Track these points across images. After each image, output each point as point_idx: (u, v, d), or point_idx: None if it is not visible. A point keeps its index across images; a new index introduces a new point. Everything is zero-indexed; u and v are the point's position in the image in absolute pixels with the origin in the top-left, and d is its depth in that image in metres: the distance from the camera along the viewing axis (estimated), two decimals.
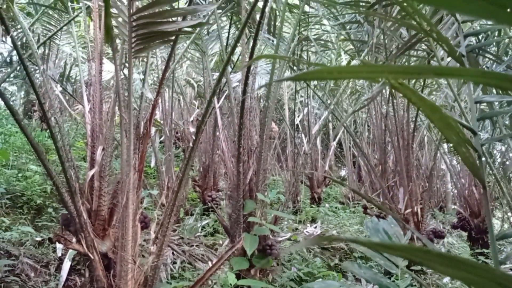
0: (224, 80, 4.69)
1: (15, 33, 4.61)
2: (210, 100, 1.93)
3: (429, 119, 0.90)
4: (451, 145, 9.43)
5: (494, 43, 3.41)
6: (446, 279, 4.60)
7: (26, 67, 1.81)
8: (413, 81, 4.90)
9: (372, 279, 1.33)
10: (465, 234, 6.78)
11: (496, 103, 3.43)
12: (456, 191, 8.05)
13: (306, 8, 4.79)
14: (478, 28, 2.93)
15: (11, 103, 2.12)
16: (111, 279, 2.18)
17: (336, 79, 0.59)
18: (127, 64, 2.99)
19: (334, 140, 8.18)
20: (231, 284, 2.51)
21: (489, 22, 3.49)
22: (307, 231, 5.40)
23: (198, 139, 1.93)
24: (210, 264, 3.49)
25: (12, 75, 8.40)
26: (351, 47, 5.67)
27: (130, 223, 2.13)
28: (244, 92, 2.38)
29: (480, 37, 3.27)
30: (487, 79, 0.51)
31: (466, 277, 0.45)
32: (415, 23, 1.20)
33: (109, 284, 2.15)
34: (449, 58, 3.19)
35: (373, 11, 2.80)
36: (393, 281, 1.53)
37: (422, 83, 4.91)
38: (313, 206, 6.89)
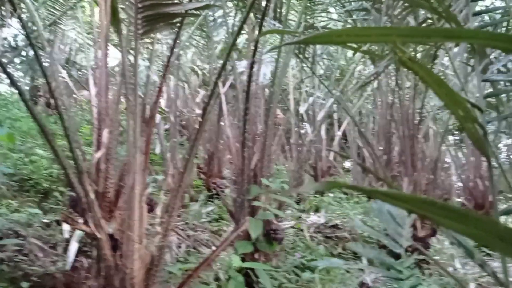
0: (229, 68, 4.69)
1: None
2: (216, 82, 1.94)
3: (436, 94, 0.91)
4: (457, 137, 9.41)
5: (505, 28, 3.38)
6: (449, 269, 4.61)
7: (34, 46, 1.82)
8: None
9: (375, 258, 1.35)
10: None
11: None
12: (461, 183, 8.06)
13: None
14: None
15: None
16: (118, 259, 2.21)
17: (345, 42, 0.60)
18: (132, 51, 3.00)
19: (339, 130, 8.17)
20: (235, 267, 2.54)
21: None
22: (310, 220, 5.42)
23: (204, 120, 1.94)
24: (215, 248, 3.53)
25: (17, 61, 8.42)
26: None
27: (136, 204, 2.16)
28: (250, 74, 2.39)
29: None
30: (496, 41, 0.52)
31: (470, 231, 0.46)
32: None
33: (116, 264, 2.18)
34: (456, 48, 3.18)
35: None
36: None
37: None
38: (316, 196, 6.90)
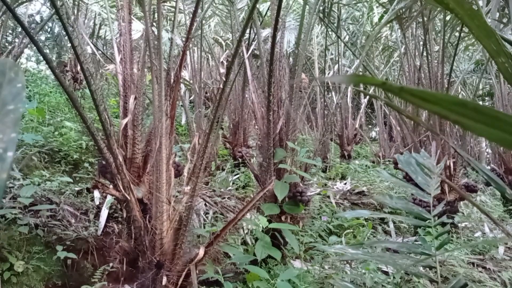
0: (253, 36, 4.64)
1: None
2: (239, 40, 1.91)
3: (467, 27, 0.87)
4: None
5: None
6: (478, 234, 4.56)
7: (63, 21, 1.84)
8: (448, 36, 4.71)
9: (404, 207, 1.33)
10: (498, 193, 6.67)
11: None
12: (490, 150, 7.86)
13: None
14: None
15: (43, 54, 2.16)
16: (147, 220, 2.27)
17: None
18: (154, 23, 2.99)
19: (364, 98, 8.06)
20: (262, 227, 2.57)
21: None
22: (336, 187, 5.42)
23: (228, 79, 1.93)
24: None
25: (43, 38, 8.53)
26: None
27: (164, 167, 2.19)
28: (274, 35, 2.35)
29: None
30: None
31: (503, 137, 0.44)
32: None
33: (146, 225, 2.24)
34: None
35: None
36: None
37: (458, 35, 4.72)
38: (343, 163, 6.88)
